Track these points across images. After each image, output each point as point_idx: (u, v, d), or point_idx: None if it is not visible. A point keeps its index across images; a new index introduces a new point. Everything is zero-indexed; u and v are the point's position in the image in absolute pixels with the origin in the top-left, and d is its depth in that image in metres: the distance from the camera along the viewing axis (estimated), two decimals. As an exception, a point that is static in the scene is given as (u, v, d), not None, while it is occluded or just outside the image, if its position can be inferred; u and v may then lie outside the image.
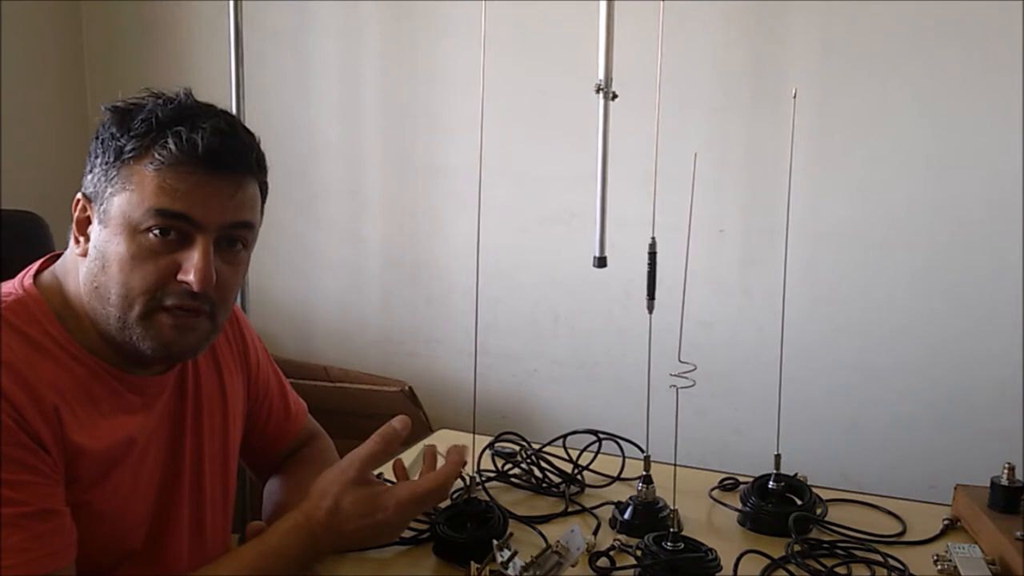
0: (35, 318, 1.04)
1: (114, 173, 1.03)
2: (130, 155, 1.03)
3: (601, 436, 1.56)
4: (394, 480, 1.20)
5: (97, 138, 1.06)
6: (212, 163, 1.03)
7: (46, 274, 1.10)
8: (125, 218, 1.02)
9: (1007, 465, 1.34)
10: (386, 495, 1.11)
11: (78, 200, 1.08)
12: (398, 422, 1.15)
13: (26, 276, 1.09)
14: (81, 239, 1.07)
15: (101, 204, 1.04)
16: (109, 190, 1.04)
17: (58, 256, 1.12)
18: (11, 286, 1.08)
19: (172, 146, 1.01)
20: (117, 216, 1.03)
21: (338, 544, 1.11)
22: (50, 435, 0.98)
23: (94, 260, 1.05)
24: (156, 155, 1.02)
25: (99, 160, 1.05)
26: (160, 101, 1.06)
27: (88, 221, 1.06)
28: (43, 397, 0.99)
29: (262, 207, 1.12)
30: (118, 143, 1.03)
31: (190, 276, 1.03)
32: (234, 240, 1.08)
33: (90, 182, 1.06)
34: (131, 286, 1.03)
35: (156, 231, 1.02)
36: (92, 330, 1.06)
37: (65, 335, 1.05)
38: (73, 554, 1.00)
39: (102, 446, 1.04)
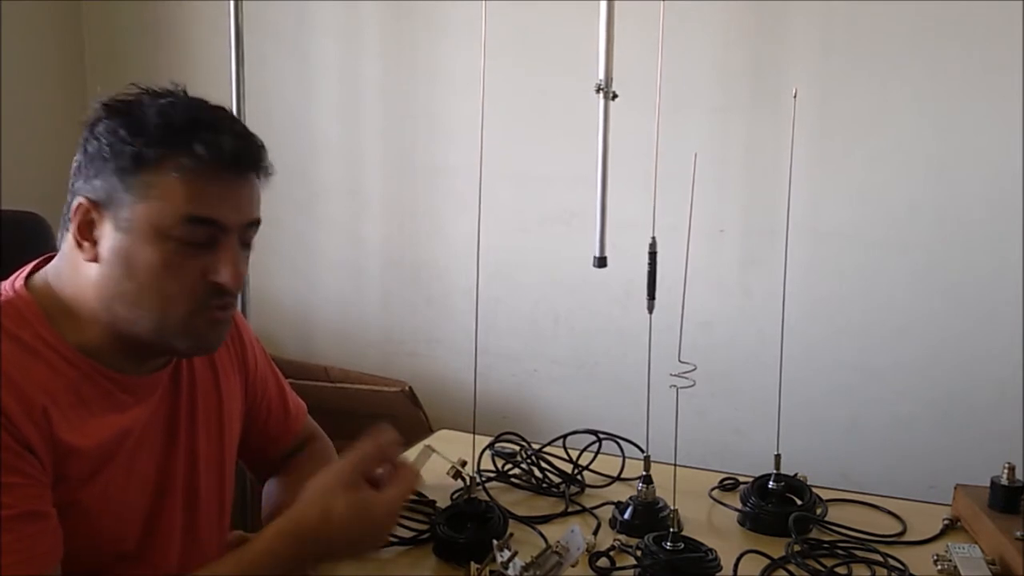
0: (26, 320, 1.04)
1: (132, 180, 1.03)
2: (151, 161, 1.03)
3: (601, 436, 1.56)
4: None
5: (97, 139, 1.05)
6: (236, 167, 1.06)
7: (38, 276, 1.10)
8: (152, 226, 1.03)
9: (1007, 465, 1.34)
10: (378, 498, 1.08)
11: (80, 204, 1.05)
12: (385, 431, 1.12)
13: (17, 279, 1.09)
14: (86, 244, 1.05)
15: (119, 211, 1.04)
16: (128, 197, 1.03)
17: (51, 258, 1.12)
18: (2, 288, 1.08)
19: (201, 152, 1.03)
20: (143, 223, 1.03)
21: (325, 552, 1.06)
22: (38, 437, 0.98)
23: (115, 267, 1.04)
24: (182, 162, 1.03)
25: (110, 165, 1.04)
26: (163, 101, 1.06)
27: (93, 225, 1.05)
28: (33, 401, 0.98)
29: None
30: (133, 148, 1.03)
31: (222, 276, 1.06)
32: (248, 238, 1.11)
33: (100, 187, 1.04)
34: (169, 293, 1.04)
35: (186, 237, 1.04)
36: (91, 331, 1.06)
37: (57, 336, 1.05)
38: (59, 556, 0.99)
39: (92, 444, 1.04)
